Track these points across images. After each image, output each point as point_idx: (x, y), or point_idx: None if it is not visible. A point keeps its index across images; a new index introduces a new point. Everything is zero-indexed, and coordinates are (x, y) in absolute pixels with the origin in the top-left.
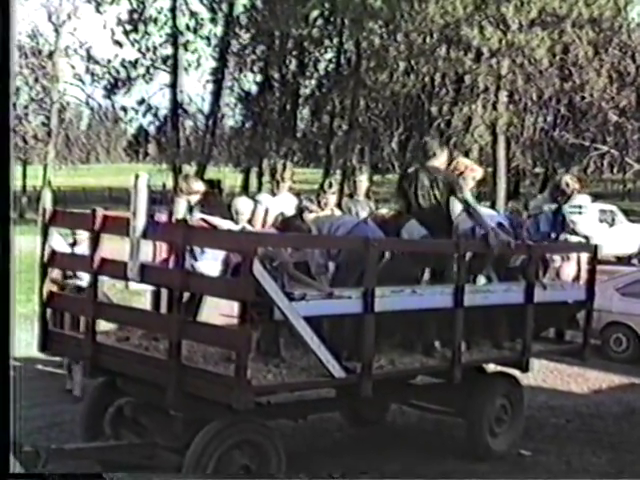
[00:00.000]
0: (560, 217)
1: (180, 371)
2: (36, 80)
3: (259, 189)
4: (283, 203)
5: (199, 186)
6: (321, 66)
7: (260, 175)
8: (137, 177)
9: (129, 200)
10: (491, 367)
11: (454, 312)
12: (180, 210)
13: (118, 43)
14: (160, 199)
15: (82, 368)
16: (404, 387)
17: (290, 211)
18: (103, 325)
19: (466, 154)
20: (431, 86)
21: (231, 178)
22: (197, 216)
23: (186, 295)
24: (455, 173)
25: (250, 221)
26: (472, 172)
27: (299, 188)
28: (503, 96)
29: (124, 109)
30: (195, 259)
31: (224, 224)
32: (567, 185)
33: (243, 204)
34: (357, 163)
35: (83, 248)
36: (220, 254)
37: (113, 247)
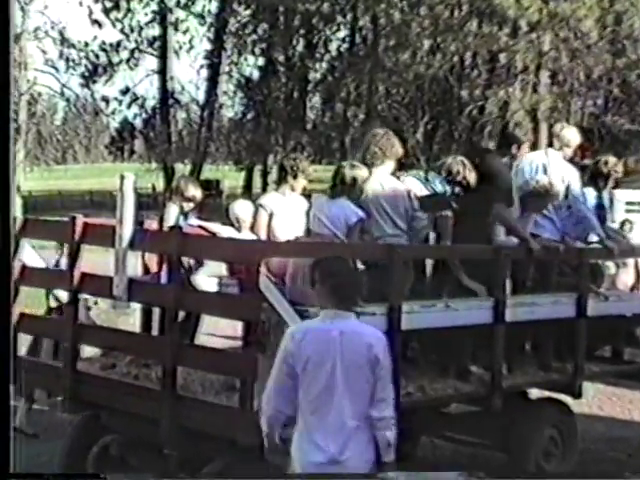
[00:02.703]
0: (602, 209)
1: (175, 402)
2: None
3: (264, 189)
4: (292, 206)
5: (196, 190)
6: (333, 46)
7: (265, 173)
8: (122, 178)
9: (113, 205)
10: (537, 393)
11: (494, 329)
12: (173, 216)
13: (97, 23)
14: (149, 203)
15: (27, 404)
16: (436, 417)
17: (301, 216)
18: (85, 351)
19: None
20: (461, 67)
21: (231, 177)
22: (193, 222)
23: (181, 314)
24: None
25: (252, 228)
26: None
27: (309, 188)
28: (545, 76)
29: (105, 100)
30: (191, 272)
31: (224, 231)
32: (606, 164)
33: (242, 208)
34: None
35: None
36: (220, 267)
37: (96, 260)
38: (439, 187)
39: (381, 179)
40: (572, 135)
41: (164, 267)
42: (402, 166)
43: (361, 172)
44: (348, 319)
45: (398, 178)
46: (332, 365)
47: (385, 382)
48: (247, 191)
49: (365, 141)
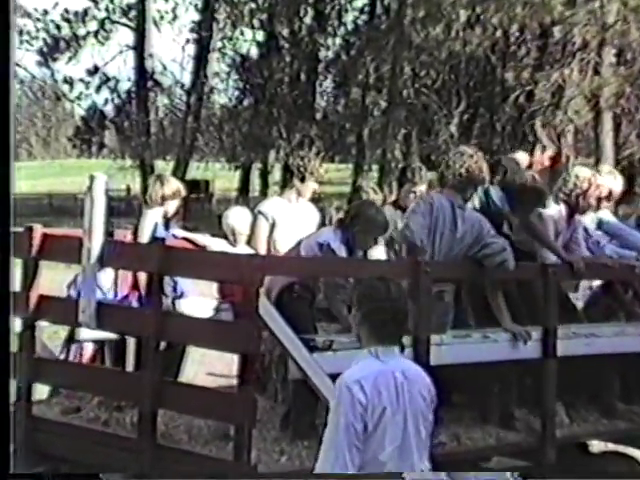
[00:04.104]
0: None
1: (155, 454)
2: None
3: (263, 193)
4: (299, 215)
5: (178, 190)
6: (348, 18)
7: (265, 173)
8: (92, 179)
9: (79, 212)
10: (600, 445)
11: (543, 365)
12: (150, 224)
13: None
14: (123, 209)
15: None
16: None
17: (310, 227)
18: (43, 391)
19: (557, 139)
20: (505, 44)
21: (224, 178)
22: (177, 233)
23: (163, 345)
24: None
25: (250, 241)
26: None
27: (319, 191)
28: (610, 55)
29: (69, 81)
30: (175, 294)
31: (215, 244)
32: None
33: (238, 218)
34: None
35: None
36: (210, 287)
37: (55, 279)
38: (496, 203)
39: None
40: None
41: (140, 288)
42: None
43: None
44: (397, 355)
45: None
46: (403, 415)
47: (431, 429)
48: (243, 195)
49: (450, 159)
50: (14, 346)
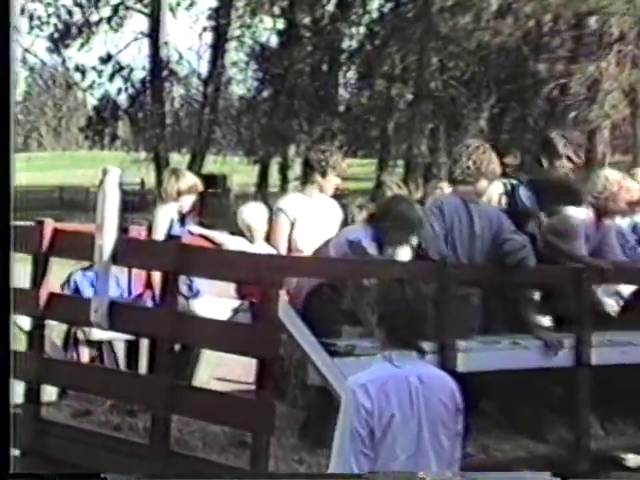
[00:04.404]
0: None
1: (168, 461)
2: None
3: (283, 189)
4: (321, 212)
5: (194, 185)
6: (373, 6)
7: (284, 168)
8: (105, 172)
9: (90, 206)
10: (637, 459)
11: (577, 374)
12: (165, 221)
13: None
14: (137, 204)
15: None
16: None
17: (332, 224)
18: (52, 393)
19: (591, 136)
20: (538, 34)
21: (242, 172)
22: (193, 230)
23: (177, 348)
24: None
25: (269, 239)
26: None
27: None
28: None
29: (81, 69)
30: (190, 294)
31: (233, 242)
32: None
33: (254, 214)
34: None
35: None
36: (227, 288)
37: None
38: (523, 201)
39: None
40: None
41: (155, 287)
42: None
43: None
44: (416, 360)
45: None
46: (417, 423)
47: (460, 439)
48: (262, 190)
49: (455, 154)
50: (22, 345)
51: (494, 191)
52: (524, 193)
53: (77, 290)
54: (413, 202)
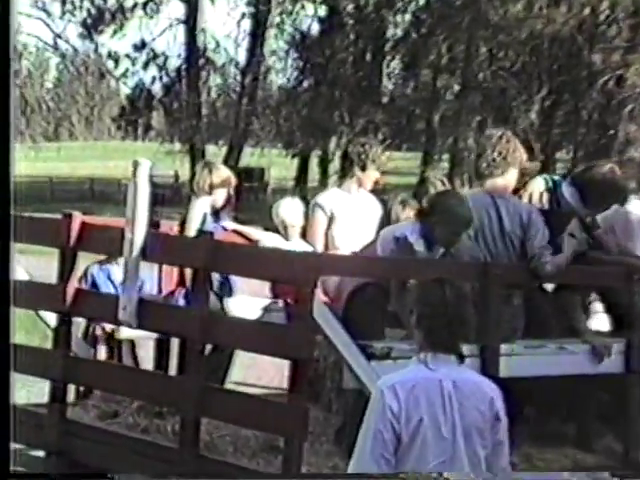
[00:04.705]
0: None
1: (197, 466)
2: None
3: (323, 184)
4: (359, 207)
5: (228, 179)
6: None
7: (325, 162)
8: (136, 164)
9: (122, 199)
10: None
11: (627, 381)
12: (199, 216)
13: None
14: (170, 198)
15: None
16: None
17: (372, 221)
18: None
19: None
20: (593, 22)
21: (280, 166)
22: (227, 225)
23: (209, 348)
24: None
25: (305, 235)
26: None
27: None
28: None
29: (114, 57)
30: (223, 292)
31: (268, 239)
32: None
33: (290, 209)
34: None
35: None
36: (262, 286)
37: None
38: (566, 199)
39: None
40: None
41: (186, 285)
42: None
43: None
44: (452, 364)
45: None
46: (451, 429)
47: (504, 448)
48: (301, 185)
49: (479, 148)
50: (49, 343)
51: (535, 187)
52: (567, 189)
53: (94, 284)
54: (464, 198)
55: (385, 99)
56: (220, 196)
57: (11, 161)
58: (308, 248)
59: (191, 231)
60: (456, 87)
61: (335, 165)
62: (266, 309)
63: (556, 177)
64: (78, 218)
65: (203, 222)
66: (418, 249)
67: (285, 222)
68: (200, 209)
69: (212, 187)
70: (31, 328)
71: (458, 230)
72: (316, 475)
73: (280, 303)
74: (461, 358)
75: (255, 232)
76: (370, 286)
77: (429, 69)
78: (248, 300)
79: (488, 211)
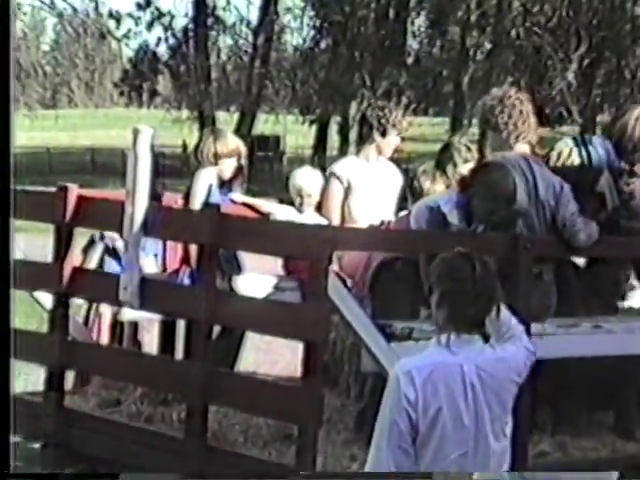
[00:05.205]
0: None
1: (205, 457)
2: None
3: (343, 152)
4: (379, 177)
5: (236, 148)
6: None
7: (345, 129)
8: (135, 133)
9: (123, 171)
10: None
11: None
12: (203, 188)
13: None
14: (178, 168)
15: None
16: None
17: (392, 191)
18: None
19: None
20: None
21: (297, 133)
22: (236, 198)
23: (217, 330)
24: None
25: (320, 208)
26: None
27: (410, 150)
28: None
29: (115, 16)
30: (232, 270)
31: (281, 211)
32: None
33: (307, 178)
34: None
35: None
36: (274, 263)
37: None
38: (598, 154)
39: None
40: None
41: (192, 262)
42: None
43: None
44: (476, 346)
45: None
46: (474, 418)
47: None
48: (319, 153)
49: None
50: (44, 326)
51: (563, 147)
52: (598, 141)
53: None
54: (509, 172)
55: (410, 60)
56: (228, 167)
57: (11, 134)
58: (323, 221)
59: (196, 204)
60: (487, 45)
61: (354, 132)
62: (278, 287)
63: (586, 135)
64: (74, 191)
65: (209, 194)
66: (451, 220)
67: (302, 191)
68: (205, 180)
69: (218, 157)
70: (30, 311)
71: (498, 206)
72: (325, 475)
73: (293, 281)
74: (486, 339)
75: (266, 204)
76: (399, 261)
77: (457, 26)
78: (259, 278)
79: (525, 174)
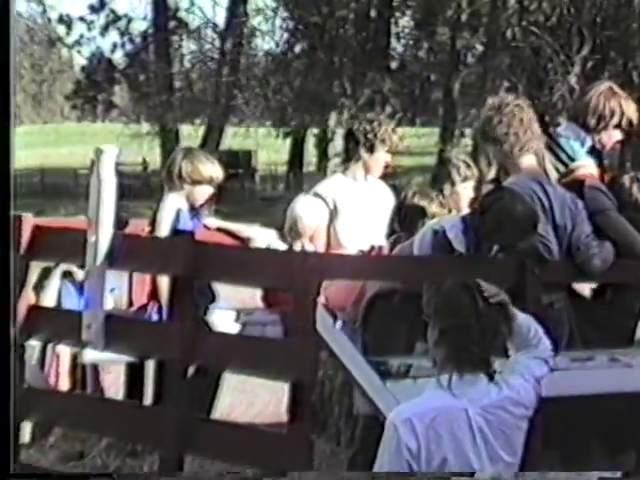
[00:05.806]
0: None
1: None
2: None
3: (321, 169)
4: (367, 197)
5: (214, 175)
6: None
7: (322, 143)
8: (100, 153)
9: (81, 192)
10: None
11: None
12: (172, 212)
13: None
14: (138, 190)
15: None
16: None
17: (382, 213)
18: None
19: None
20: None
21: (270, 148)
22: (210, 223)
23: (191, 371)
24: None
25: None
26: None
27: (395, 164)
28: None
29: (66, 21)
30: (206, 302)
31: (261, 236)
32: None
33: (310, 209)
34: None
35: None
36: (253, 295)
37: None
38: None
39: None
40: None
41: (162, 296)
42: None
43: None
44: (481, 386)
45: None
46: (488, 461)
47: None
48: (295, 170)
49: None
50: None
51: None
52: (570, 131)
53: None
54: (525, 199)
55: (394, 64)
56: (201, 193)
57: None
58: (308, 247)
59: (161, 232)
60: (479, 47)
61: (335, 146)
62: (257, 321)
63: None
64: (30, 221)
65: (177, 220)
66: (457, 247)
67: (301, 224)
68: (172, 205)
69: (193, 183)
70: None
71: (511, 235)
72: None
73: (274, 314)
74: (491, 378)
75: (246, 229)
76: (398, 291)
77: (446, 26)
78: (234, 311)
79: (541, 200)
